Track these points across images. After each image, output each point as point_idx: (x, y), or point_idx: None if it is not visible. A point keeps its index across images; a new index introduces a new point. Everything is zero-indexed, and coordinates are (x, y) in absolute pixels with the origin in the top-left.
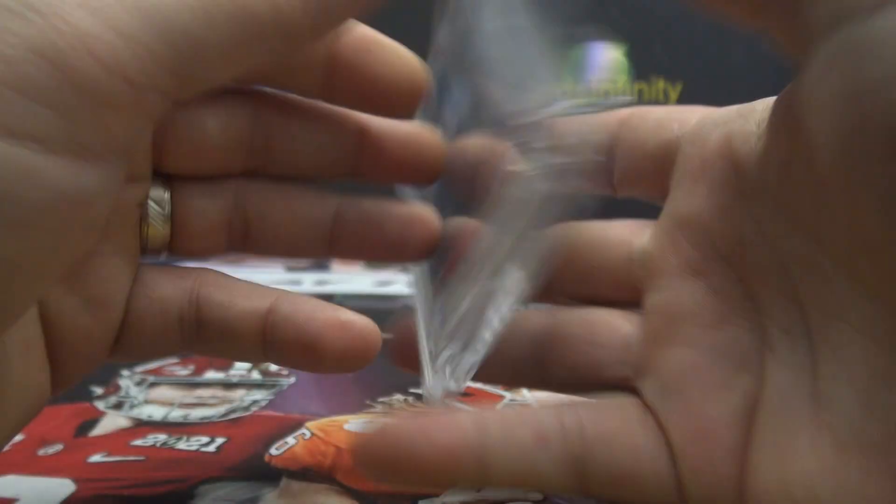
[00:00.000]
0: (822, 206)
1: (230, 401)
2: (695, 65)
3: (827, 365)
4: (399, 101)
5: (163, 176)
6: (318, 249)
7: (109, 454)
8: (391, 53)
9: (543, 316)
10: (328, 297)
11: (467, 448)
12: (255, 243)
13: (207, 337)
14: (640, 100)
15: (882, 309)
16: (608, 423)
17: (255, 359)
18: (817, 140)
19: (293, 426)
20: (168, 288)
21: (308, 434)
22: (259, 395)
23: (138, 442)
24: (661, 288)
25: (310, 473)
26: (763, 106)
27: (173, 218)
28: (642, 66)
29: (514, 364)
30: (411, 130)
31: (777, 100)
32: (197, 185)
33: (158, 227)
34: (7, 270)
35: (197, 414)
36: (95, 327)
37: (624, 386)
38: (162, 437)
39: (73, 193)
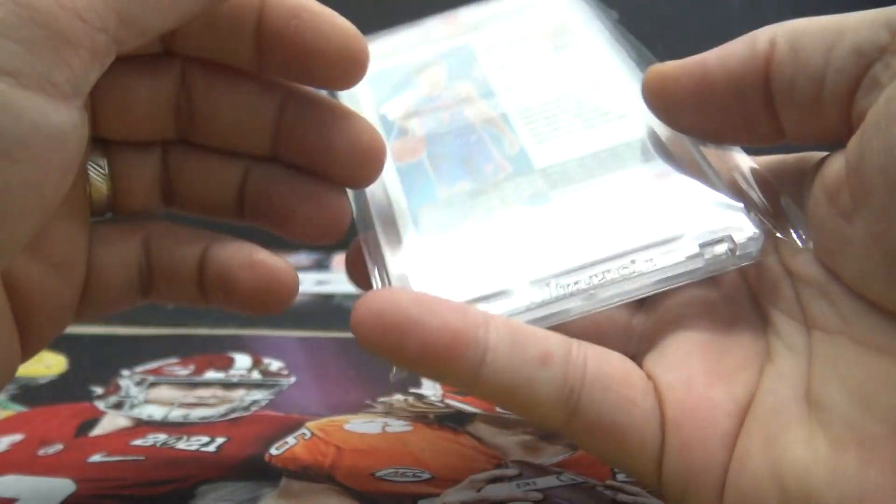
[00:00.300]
0: (841, 242)
1: (230, 401)
2: None
3: (823, 372)
4: (334, 72)
5: (98, 141)
6: (229, 213)
7: (109, 454)
8: (324, 20)
9: None
10: (328, 297)
11: (474, 340)
12: (177, 199)
13: (158, 284)
14: None
15: (887, 320)
16: (612, 369)
17: (196, 301)
18: (869, 176)
19: (293, 426)
20: (125, 241)
21: (308, 434)
22: (259, 394)
23: (138, 442)
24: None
25: (310, 473)
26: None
27: (112, 178)
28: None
29: None
30: (334, 109)
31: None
32: (130, 147)
33: (101, 188)
34: None
35: (197, 414)
36: (62, 289)
37: None
38: (162, 436)
39: (48, 129)
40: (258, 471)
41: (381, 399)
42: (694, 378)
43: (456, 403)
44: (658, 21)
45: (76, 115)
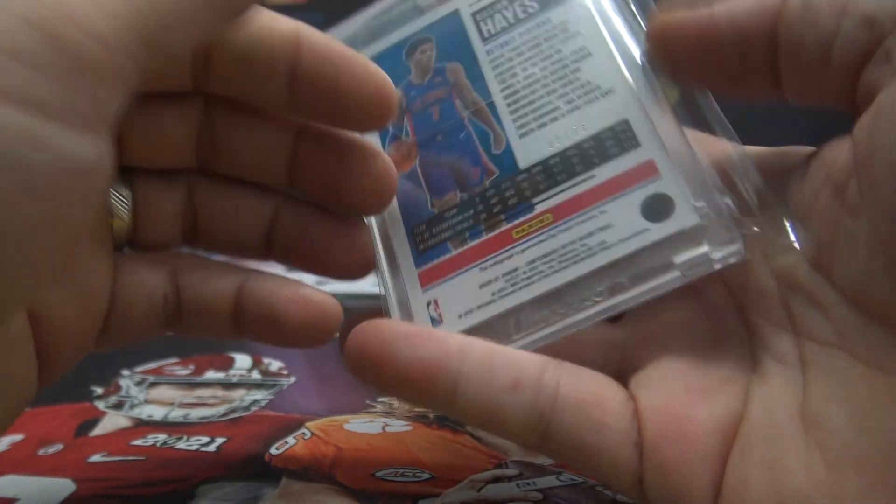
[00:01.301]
0: (844, 239)
1: (230, 400)
2: None
3: (818, 389)
4: (364, 116)
5: (121, 170)
6: (255, 251)
7: (109, 454)
8: (357, 66)
9: None
10: None
11: (444, 369)
12: (202, 237)
13: (186, 316)
14: None
15: (886, 335)
16: (585, 393)
17: (228, 335)
18: (878, 173)
19: (293, 426)
20: (151, 272)
21: (308, 434)
22: (259, 394)
23: (138, 442)
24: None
25: (310, 473)
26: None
27: (134, 210)
28: None
29: None
30: (345, 138)
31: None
32: (154, 179)
33: (123, 219)
34: (20, 235)
35: (197, 414)
36: (83, 318)
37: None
38: (162, 436)
39: (73, 162)
40: (258, 471)
41: (381, 399)
42: (673, 397)
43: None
44: None
45: (102, 147)
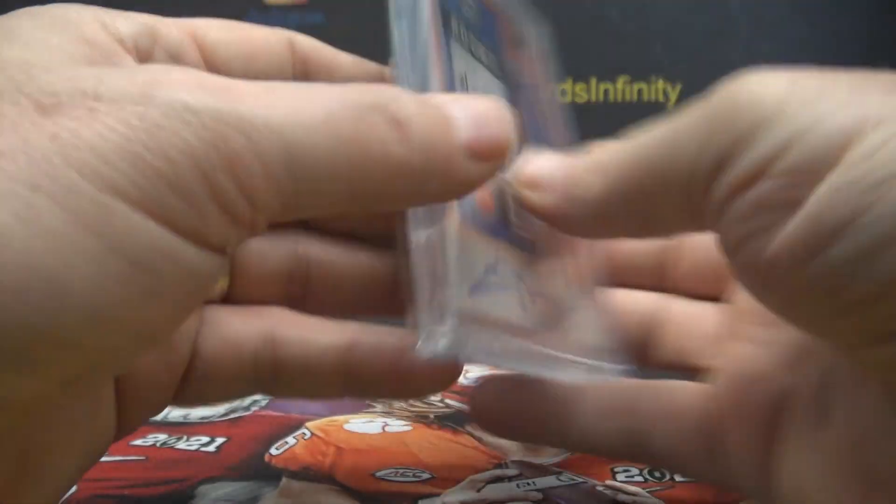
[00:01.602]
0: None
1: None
2: (695, 65)
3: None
4: None
5: None
6: (371, 309)
7: (109, 454)
8: None
9: (650, 300)
10: None
11: (553, 415)
12: (312, 298)
13: (286, 376)
14: (640, 100)
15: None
16: (666, 403)
17: (334, 394)
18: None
19: (293, 426)
20: (241, 328)
21: (308, 434)
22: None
23: (138, 442)
24: (740, 289)
25: (310, 473)
26: None
27: (232, 265)
28: (642, 66)
29: (627, 343)
30: None
31: None
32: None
33: (221, 282)
34: (138, 331)
35: (197, 413)
36: (161, 370)
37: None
38: (162, 436)
39: (198, 275)
40: (258, 471)
41: (381, 399)
42: (737, 385)
43: (456, 403)
44: (658, 21)
45: (222, 263)
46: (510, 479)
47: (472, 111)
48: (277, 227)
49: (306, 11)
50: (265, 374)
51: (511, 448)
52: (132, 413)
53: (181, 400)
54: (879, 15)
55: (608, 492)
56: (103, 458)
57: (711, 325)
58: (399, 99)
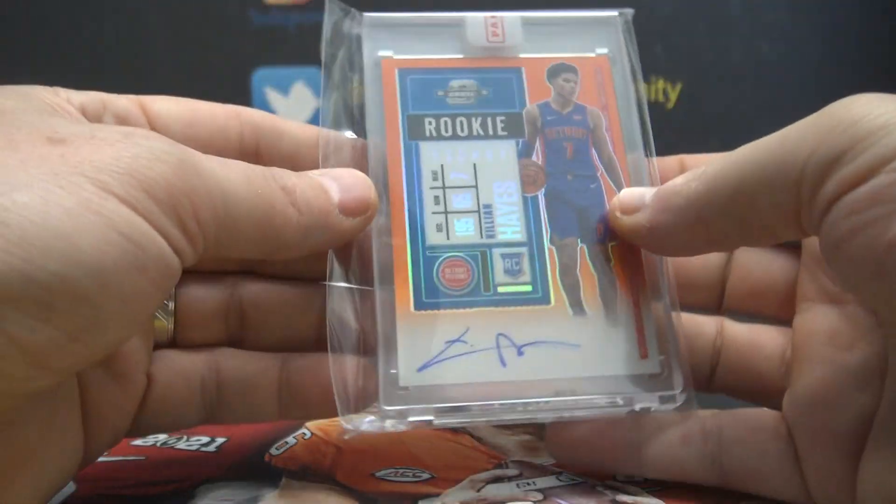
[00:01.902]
0: None
1: None
2: (695, 65)
3: None
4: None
5: None
6: (306, 346)
7: (109, 454)
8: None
9: (712, 323)
10: None
11: (627, 444)
12: (249, 336)
13: (229, 399)
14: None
15: None
16: (742, 428)
17: (272, 415)
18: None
19: (293, 426)
20: (188, 360)
21: (308, 434)
22: None
23: (138, 442)
24: (805, 311)
25: (310, 473)
26: None
27: (176, 310)
28: (642, 66)
29: (692, 364)
30: None
31: None
32: (194, 277)
33: (163, 320)
34: (127, 295)
35: None
36: (121, 398)
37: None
38: (162, 436)
39: (167, 260)
40: (258, 471)
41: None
42: (815, 410)
43: None
44: (658, 21)
45: (187, 263)
46: (510, 479)
47: (339, 180)
48: (215, 273)
49: (306, 11)
50: (211, 399)
51: (511, 448)
52: (97, 436)
53: (137, 428)
54: (879, 15)
55: (608, 492)
56: (103, 458)
57: (775, 348)
58: (286, 174)
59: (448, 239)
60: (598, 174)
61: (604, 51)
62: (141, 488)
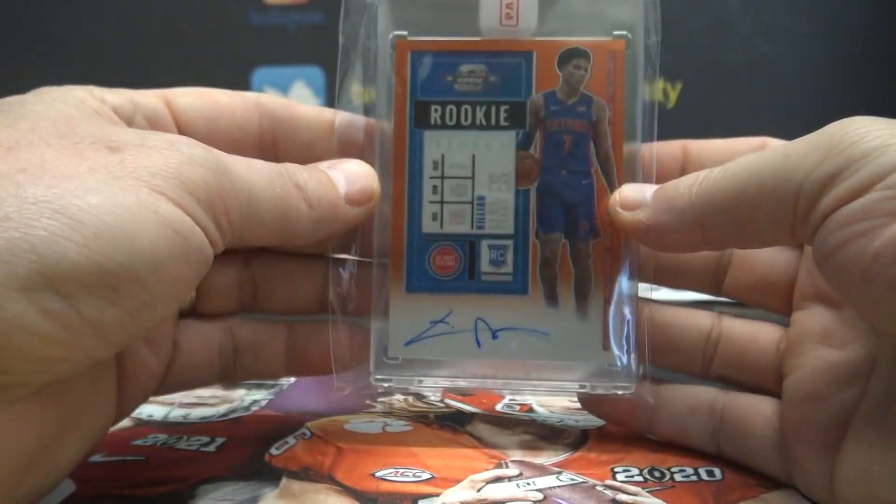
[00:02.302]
0: None
1: (230, 400)
2: (695, 65)
3: None
4: None
5: None
6: (311, 313)
7: (109, 454)
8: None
9: (711, 317)
10: None
11: (645, 405)
12: (260, 305)
13: (243, 362)
14: None
15: None
16: (739, 411)
17: (282, 374)
18: None
19: (293, 426)
20: (208, 327)
21: (308, 434)
22: (259, 394)
23: (138, 442)
24: (803, 309)
25: (310, 473)
26: None
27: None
28: None
29: (684, 356)
30: None
31: None
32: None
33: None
34: (172, 283)
35: (197, 413)
36: (151, 362)
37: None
38: (162, 436)
39: (204, 251)
40: (258, 471)
41: (381, 399)
42: (801, 403)
43: (456, 403)
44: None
45: (211, 254)
46: (510, 479)
47: (346, 172)
48: (230, 252)
49: (306, 11)
50: (227, 361)
51: (511, 448)
52: (129, 397)
53: (163, 388)
54: (879, 15)
55: (608, 492)
56: (103, 458)
57: (771, 341)
58: (298, 171)
59: (441, 228)
60: (592, 170)
61: (622, 33)
62: (141, 488)
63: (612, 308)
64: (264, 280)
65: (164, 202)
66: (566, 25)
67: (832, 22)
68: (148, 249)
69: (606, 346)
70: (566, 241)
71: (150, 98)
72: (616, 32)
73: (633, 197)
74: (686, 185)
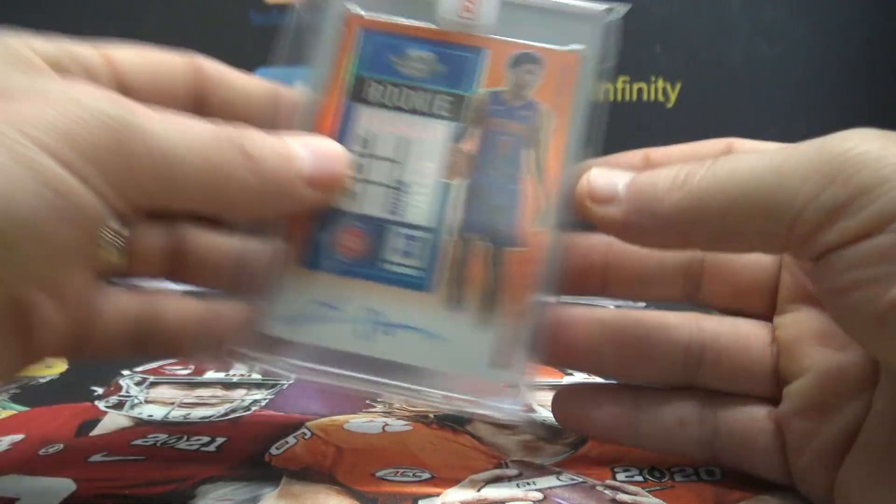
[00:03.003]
0: None
1: (230, 400)
2: (695, 65)
3: None
4: None
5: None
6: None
7: (110, 454)
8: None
9: (692, 323)
10: None
11: (625, 420)
12: (183, 271)
13: (159, 334)
14: (640, 99)
15: None
16: (734, 422)
17: (191, 352)
18: None
19: (293, 426)
20: (128, 296)
21: (308, 434)
22: (259, 394)
23: (139, 442)
24: (790, 312)
25: (310, 473)
26: None
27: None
28: (642, 66)
29: (664, 366)
30: None
31: None
32: (148, 219)
33: (114, 255)
34: (61, 246)
35: (197, 413)
36: (57, 317)
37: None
38: (162, 436)
39: (95, 212)
40: (258, 471)
41: (381, 399)
42: (806, 416)
43: None
44: (658, 21)
45: (106, 213)
46: (510, 479)
47: (314, 150)
48: (160, 217)
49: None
50: (143, 333)
51: (511, 448)
52: (27, 349)
53: (77, 353)
54: (879, 15)
55: (608, 492)
56: (103, 458)
57: (761, 347)
58: (254, 138)
59: (355, 207)
60: (523, 177)
61: (577, 47)
62: (141, 488)
63: (516, 323)
64: (191, 250)
65: (46, 160)
66: (524, 30)
67: (832, 22)
68: (20, 209)
69: (504, 363)
70: (485, 244)
71: (88, 50)
72: (572, 46)
73: (603, 189)
74: (664, 188)
